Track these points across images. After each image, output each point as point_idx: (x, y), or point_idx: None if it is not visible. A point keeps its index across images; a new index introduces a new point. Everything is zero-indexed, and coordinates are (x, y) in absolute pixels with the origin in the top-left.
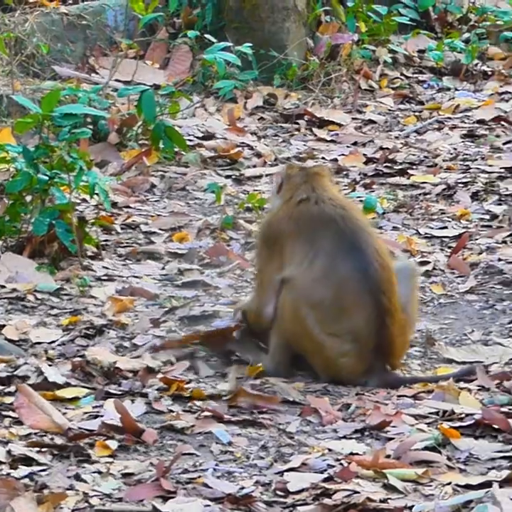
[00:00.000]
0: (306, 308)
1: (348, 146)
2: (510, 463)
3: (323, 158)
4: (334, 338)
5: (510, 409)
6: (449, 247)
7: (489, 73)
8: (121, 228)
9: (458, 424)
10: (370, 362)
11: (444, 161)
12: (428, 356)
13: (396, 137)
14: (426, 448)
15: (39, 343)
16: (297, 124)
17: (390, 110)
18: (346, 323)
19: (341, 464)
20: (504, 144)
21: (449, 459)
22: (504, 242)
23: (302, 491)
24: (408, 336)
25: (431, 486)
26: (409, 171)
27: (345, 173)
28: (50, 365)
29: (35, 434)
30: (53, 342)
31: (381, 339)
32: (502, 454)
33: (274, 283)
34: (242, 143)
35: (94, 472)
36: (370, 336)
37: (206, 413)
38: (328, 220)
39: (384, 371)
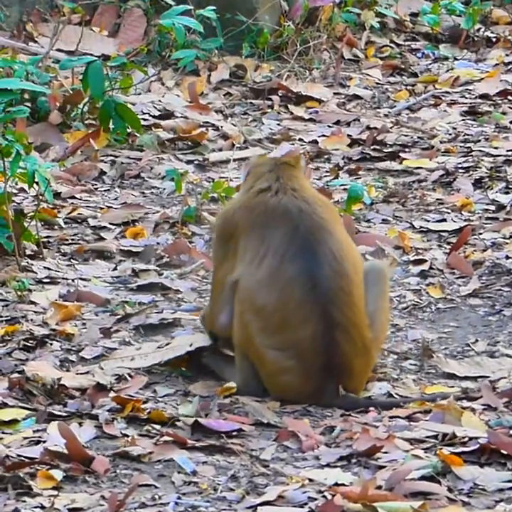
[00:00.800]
0: (250, 313)
1: (329, 126)
2: None
3: (300, 139)
4: (276, 352)
5: None
6: (449, 243)
7: (493, 40)
8: (66, 223)
9: (460, 449)
10: (318, 383)
11: (441, 142)
12: (425, 370)
13: (385, 115)
14: (423, 477)
15: None
16: (270, 100)
17: (378, 84)
18: (289, 336)
19: (324, 496)
20: (511, 122)
21: (450, 490)
22: None
23: None
24: (373, 356)
25: None
26: (401, 154)
27: (326, 157)
28: None
29: None
30: None
31: (331, 358)
32: (511, 484)
33: (228, 285)
34: (206, 122)
35: (35, 507)
36: (317, 353)
37: (166, 438)
38: (283, 213)
39: (336, 395)
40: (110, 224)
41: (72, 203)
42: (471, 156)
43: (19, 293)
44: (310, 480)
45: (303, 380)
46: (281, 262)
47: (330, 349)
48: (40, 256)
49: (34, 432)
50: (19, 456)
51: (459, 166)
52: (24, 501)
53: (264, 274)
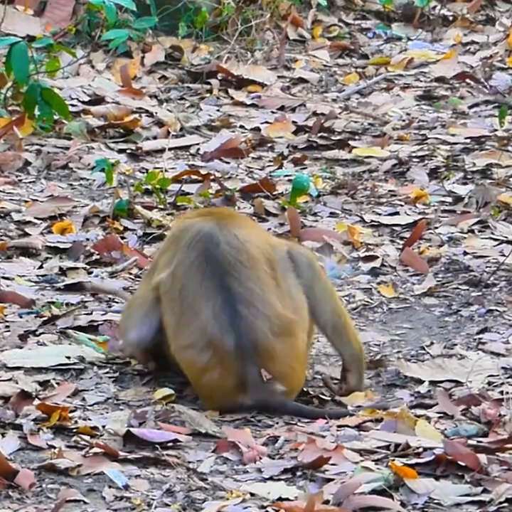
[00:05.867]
0: (167, 310)
1: (273, 112)
2: (480, 509)
3: (241, 127)
4: (190, 350)
5: (479, 442)
6: (402, 238)
7: (450, 18)
8: None
9: (414, 460)
10: (238, 370)
11: (394, 129)
12: (384, 375)
13: (333, 100)
14: (374, 491)
15: None
16: (208, 84)
17: (325, 66)
18: (195, 323)
19: None
20: (470, 107)
21: (403, 504)
22: (471, 231)
23: None
24: (300, 338)
25: None
26: (350, 142)
27: (269, 145)
28: None
29: None
30: None
31: (240, 336)
32: (470, 498)
33: (148, 298)
34: (139, 108)
35: None
36: (224, 332)
37: (96, 449)
38: (197, 227)
39: (261, 384)
40: (35, 218)
41: None
42: (426, 144)
43: None
44: (252, 494)
45: (222, 371)
46: (186, 252)
47: (235, 324)
48: None
49: None
50: None
51: (413, 154)
52: None
53: (173, 269)
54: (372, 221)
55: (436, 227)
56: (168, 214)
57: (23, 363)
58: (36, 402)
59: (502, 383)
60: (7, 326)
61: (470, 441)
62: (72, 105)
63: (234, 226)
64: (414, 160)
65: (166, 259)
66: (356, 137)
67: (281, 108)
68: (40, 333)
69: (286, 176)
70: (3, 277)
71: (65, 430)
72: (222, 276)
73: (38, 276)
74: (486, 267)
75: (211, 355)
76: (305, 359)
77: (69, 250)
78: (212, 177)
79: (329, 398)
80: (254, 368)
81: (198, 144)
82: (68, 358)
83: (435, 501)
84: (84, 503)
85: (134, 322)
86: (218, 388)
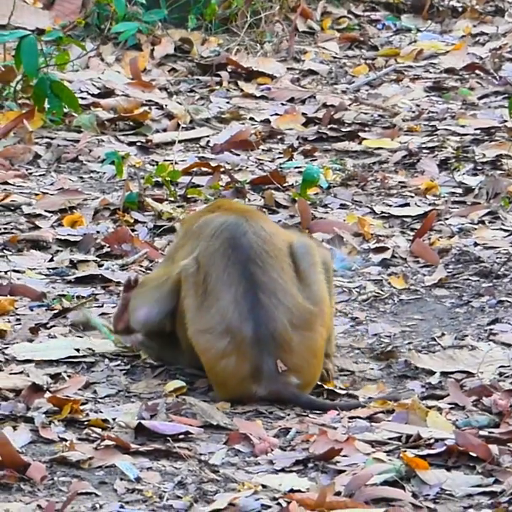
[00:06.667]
0: (188, 294)
1: (283, 104)
2: (492, 500)
3: (251, 119)
4: (208, 336)
5: (490, 433)
6: (412, 230)
7: (459, 10)
8: None
9: (425, 451)
10: (254, 359)
11: (404, 120)
12: (395, 366)
13: (343, 92)
14: (386, 482)
15: None
16: (218, 76)
17: (335, 58)
18: (216, 309)
19: (279, 503)
20: (479, 98)
21: (414, 495)
22: (481, 222)
23: None
24: (318, 332)
25: None
26: (360, 133)
27: (279, 137)
28: None
29: None
30: None
31: (259, 325)
32: (481, 489)
33: (163, 281)
34: (149, 101)
35: None
36: (243, 320)
37: (108, 442)
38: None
39: (275, 375)
40: (46, 211)
41: (5, 189)
42: (436, 135)
43: None
44: (263, 486)
45: (238, 359)
46: (210, 241)
47: (254, 312)
48: None
49: None
50: None
51: (423, 146)
52: None
53: (197, 255)
54: (382, 212)
55: (447, 219)
56: (178, 206)
57: (34, 355)
58: (47, 394)
59: None
60: (18, 319)
61: (481, 432)
62: (82, 98)
63: (258, 219)
64: (424, 151)
65: (185, 251)
66: (366, 129)
67: (291, 100)
68: (51, 326)
69: (296, 167)
70: (14, 270)
71: (77, 423)
72: (246, 263)
73: (48, 269)
74: (497, 257)
75: (228, 341)
76: (322, 354)
77: (79, 243)
78: (222, 169)
79: (340, 391)
80: (270, 358)
81: (207, 136)
82: (77, 350)
83: (447, 492)
84: (96, 495)
85: (145, 302)
86: (233, 376)
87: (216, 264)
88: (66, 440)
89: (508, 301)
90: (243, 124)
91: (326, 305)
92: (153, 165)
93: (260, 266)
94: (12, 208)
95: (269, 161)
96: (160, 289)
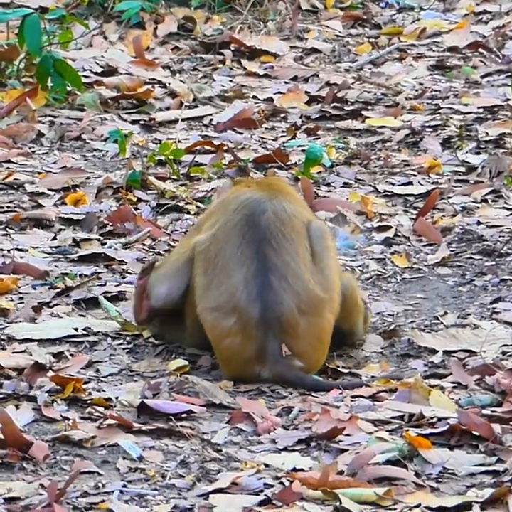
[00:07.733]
0: (199, 272)
1: (286, 82)
2: (495, 479)
3: (254, 97)
4: (215, 313)
5: (493, 412)
6: (415, 208)
7: None
8: (1, 189)
9: (428, 430)
10: (259, 340)
11: (407, 99)
12: (398, 345)
13: (346, 70)
14: (388, 461)
15: None
16: (221, 54)
17: (338, 36)
18: (226, 287)
19: (282, 482)
20: (482, 77)
21: (417, 474)
22: (484, 200)
23: None
24: (326, 318)
25: (395, 509)
26: (363, 112)
27: (282, 115)
28: None
29: None
30: None
31: (267, 307)
32: (484, 468)
33: (182, 257)
34: (152, 79)
35: None
36: (251, 301)
37: (110, 421)
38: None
39: (279, 358)
40: (49, 190)
41: (8, 168)
42: (439, 113)
43: None
44: (266, 465)
45: (243, 339)
46: (231, 215)
47: (263, 294)
48: None
49: None
50: None
51: (426, 124)
52: None
53: (215, 231)
54: (385, 191)
55: (450, 197)
56: (181, 185)
57: (37, 334)
58: (50, 373)
59: None
60: (21, 298)
61: (484, 411)
62: (85, 76)
63: (284, 199)
64: (427, 130)
65: (210, 223)
66: (369, 107)
67: (294, 78)
68: (54, 305)
69: (299, 146)
70: (17, 249)
71: (79, 402)
72: (261, 243)
73: (51, 247)
74: (500, 236)
75: (234, 321)
76: (328, 340)
77: (82, 221)
78: (225, 148)
79: (343, 370)
80: (275, 341)
81: (211, 115)
82: (75, 329)
83: (449, 471)
84: (99, 474)
85: (165, 277)
86: (237, 355)
87: (232, 240)
88: (68, 419)
89: (511, 280)
90: (246, 102)
91: (336, 292)
92: (156, 143)
93: (274, 248)
94: (15, 187)
95: (272, 140)
96: (177, 263)
